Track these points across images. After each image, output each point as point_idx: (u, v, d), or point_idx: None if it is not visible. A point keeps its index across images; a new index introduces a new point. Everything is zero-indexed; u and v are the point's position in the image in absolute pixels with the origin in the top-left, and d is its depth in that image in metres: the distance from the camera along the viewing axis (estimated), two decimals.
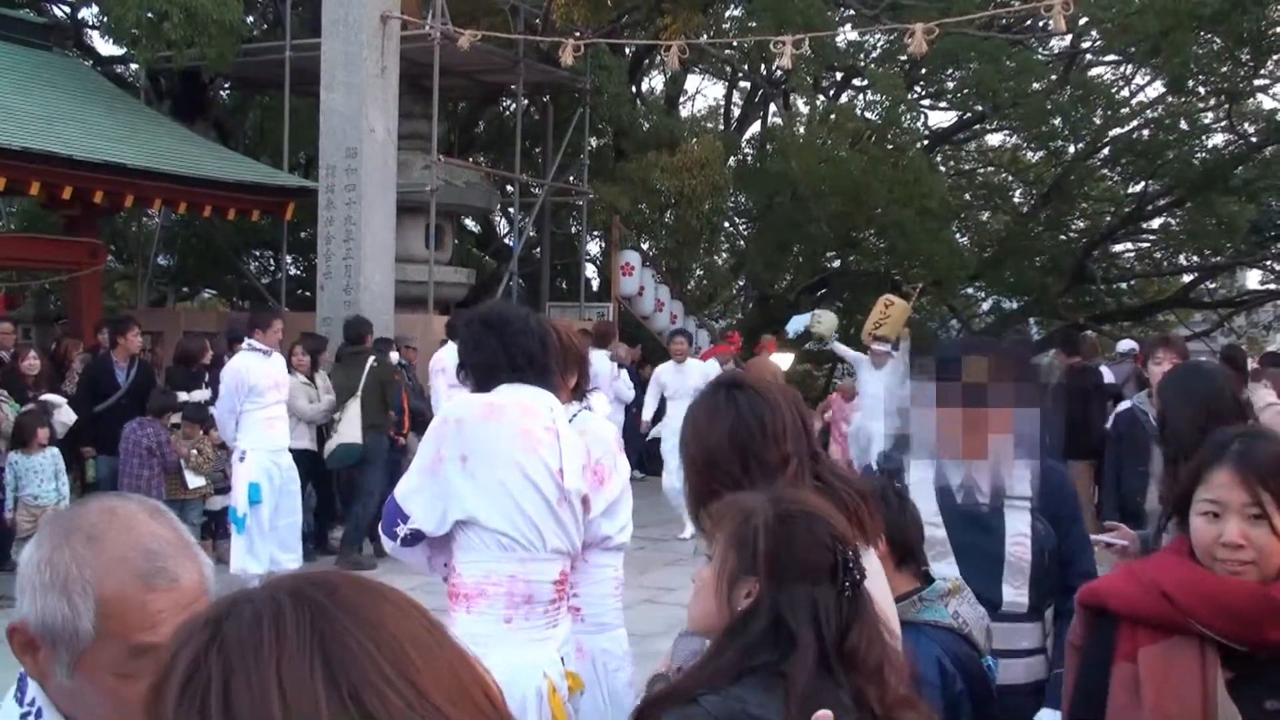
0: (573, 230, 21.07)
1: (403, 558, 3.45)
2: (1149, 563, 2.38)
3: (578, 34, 15.60)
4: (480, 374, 3.51)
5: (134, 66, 17.89)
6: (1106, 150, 22.57)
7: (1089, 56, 22.73)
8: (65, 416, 9.41)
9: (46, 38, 16.13)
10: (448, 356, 10.56)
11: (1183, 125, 21.84)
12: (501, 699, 0.87)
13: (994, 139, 26.09)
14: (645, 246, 19.64)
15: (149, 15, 14.45)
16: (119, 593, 1.47)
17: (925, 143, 22.74)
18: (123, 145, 13.33)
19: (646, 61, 22.75)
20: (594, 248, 23.10)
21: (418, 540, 3.34)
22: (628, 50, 20.47)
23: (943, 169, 23.72)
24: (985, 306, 27.46)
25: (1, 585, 9.33)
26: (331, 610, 0.83)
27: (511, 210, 18.90)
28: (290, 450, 9.35)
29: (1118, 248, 26.05)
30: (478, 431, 3.31)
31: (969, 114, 24.01)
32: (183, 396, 10.03)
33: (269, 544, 8.77)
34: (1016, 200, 25.68)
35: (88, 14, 20.46)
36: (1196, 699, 2.13)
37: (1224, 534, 2.16)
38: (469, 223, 22.34)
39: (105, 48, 20.39)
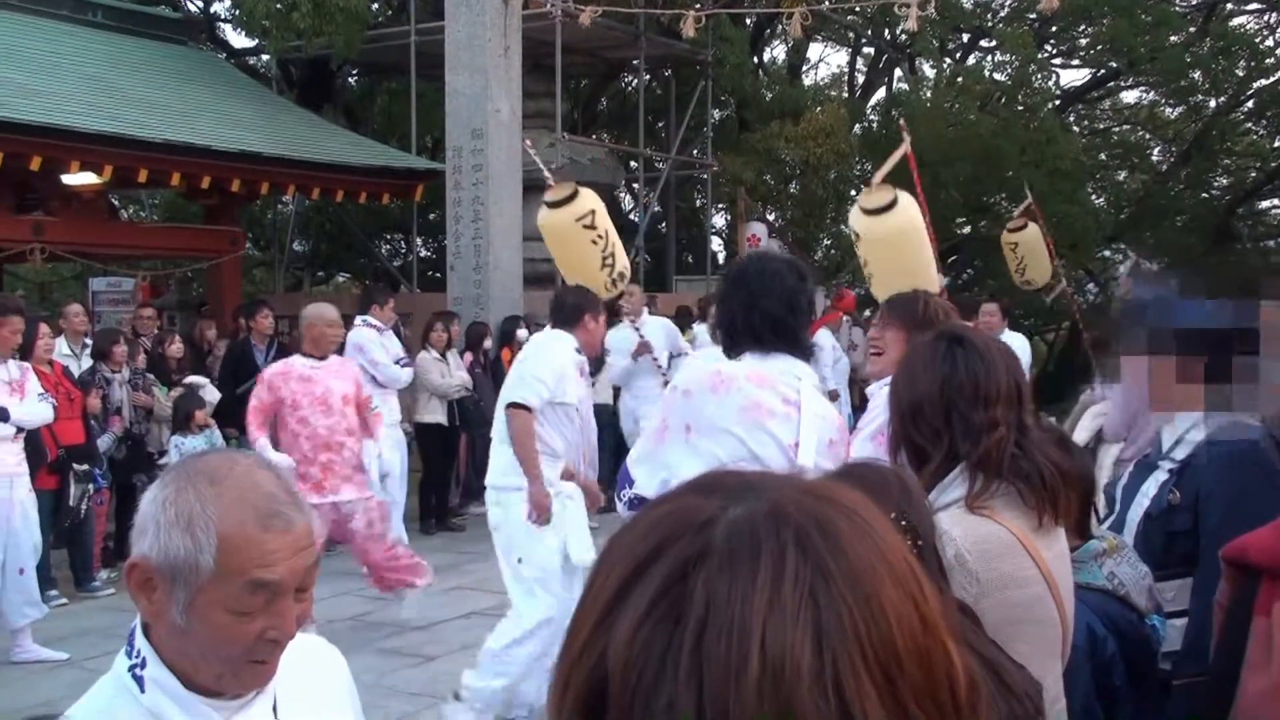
0: (697, 203, 21.00)
1: None
2: None
3: (698, 5, 15.51)
4: (725, 336, 3.44)
5: (265, 57, 18.33)
6: (1250, 103, 21.70)
7: (1230, 6, 21.84)
8: (210, 395, 9.70)
9: (182, 33, 16.61)
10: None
11: None
12: (970, 701, 0.81)
13: (1130, 96, 25.27)
14: (771, 217, 19.48)
15: (278, 6, 14.76)
16: (239, 530, 1.55)
17: (1057, 103, 22.13)
18: (257, 134, 13.66)
19: (768, 31, 22.51)
20: (719, 220, 22.99)
21: (641, 504, 3.30)
22: (749, 20, 20.27)
23: (1076, 129, 23.05)
24: (1122, 269, 26.65)
25: None
26: (832, 571, 0.76)
27: (636, 185, 18.91)
28: (424, 424, 9.56)
29: (1265, 204, 25.06)
30: (703, 402, 3.25)
31: (1103, 71, 23.28)
32: None
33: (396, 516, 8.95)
34: (1155, 158, 24.85)
35: (220, 8, 21.01)
36: None
37: None
38: None
39: (237, 40, 20.91)
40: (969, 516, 2.15)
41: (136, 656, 1.64)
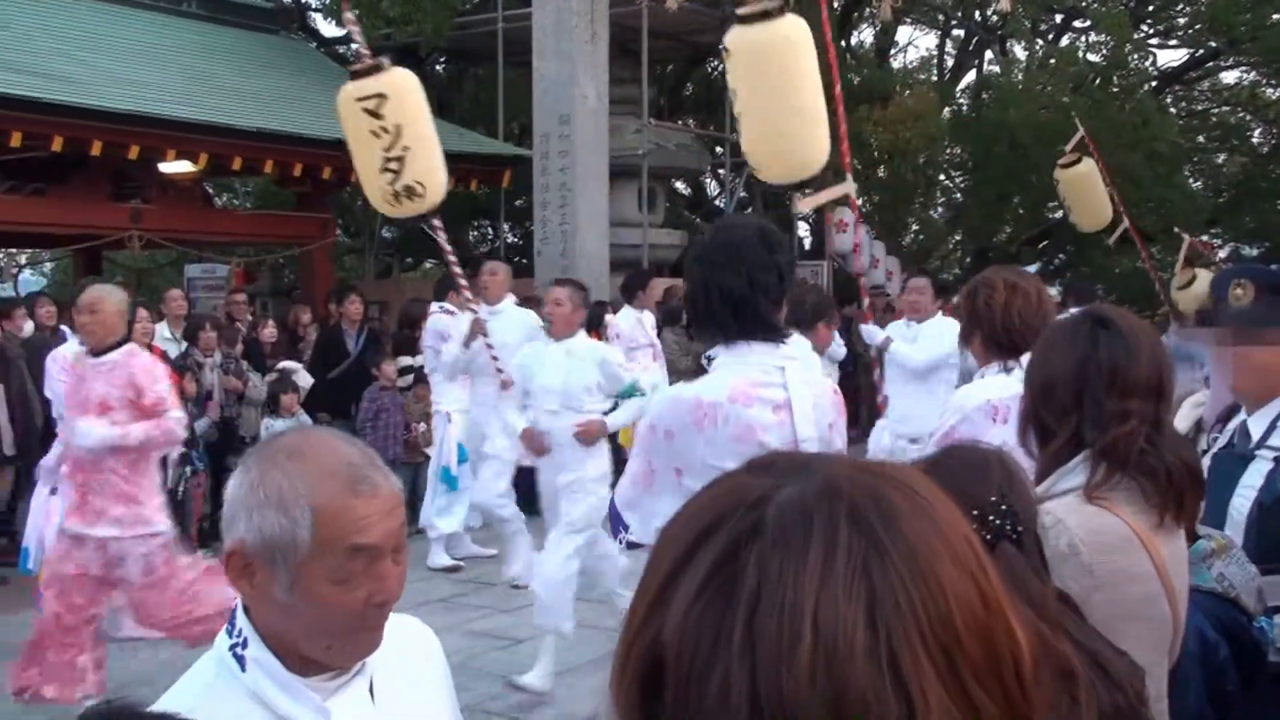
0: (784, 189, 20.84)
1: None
2: None
3: None
4: (689, 319, 3.18)
5: (354, 46, 18.50)
6: None
7: None
8: (303, 380, 9.86)
9: (273, 22, 16.86)
10: (622, 320, 10.55)
11: None
12: (1031, 679, 0.78)
13: (1229, 76, 24.61)
14: (859, 202, 19.29)
15: None
16: (331, 501, 1.57)
17: (1154, 84, 21.62)
18: None
19: (856, 14, 22.27)
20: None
21: (638, 547, 3.21)
22: (837, 3, 20.08)
23: (1173, 110, 22.52)
24: (1223, 254, 26.04)
25: None
26: (886, 546, 0.74)
27: (722, 171, 18.83)
28: None
29: None
30: (690, 443, 2.94)
31: (1202, 51, 22.69)
32: (405, 361, 10.36)
33: (463, 504, 8.95)
34: (1255, 140, 24.17)
35: None
36: None
37: None
38: (679, 185, 22.37)
39: (327, 29, 21.20)
40: (1086, 506, 2.09)
41: (238, 636, 1.66)
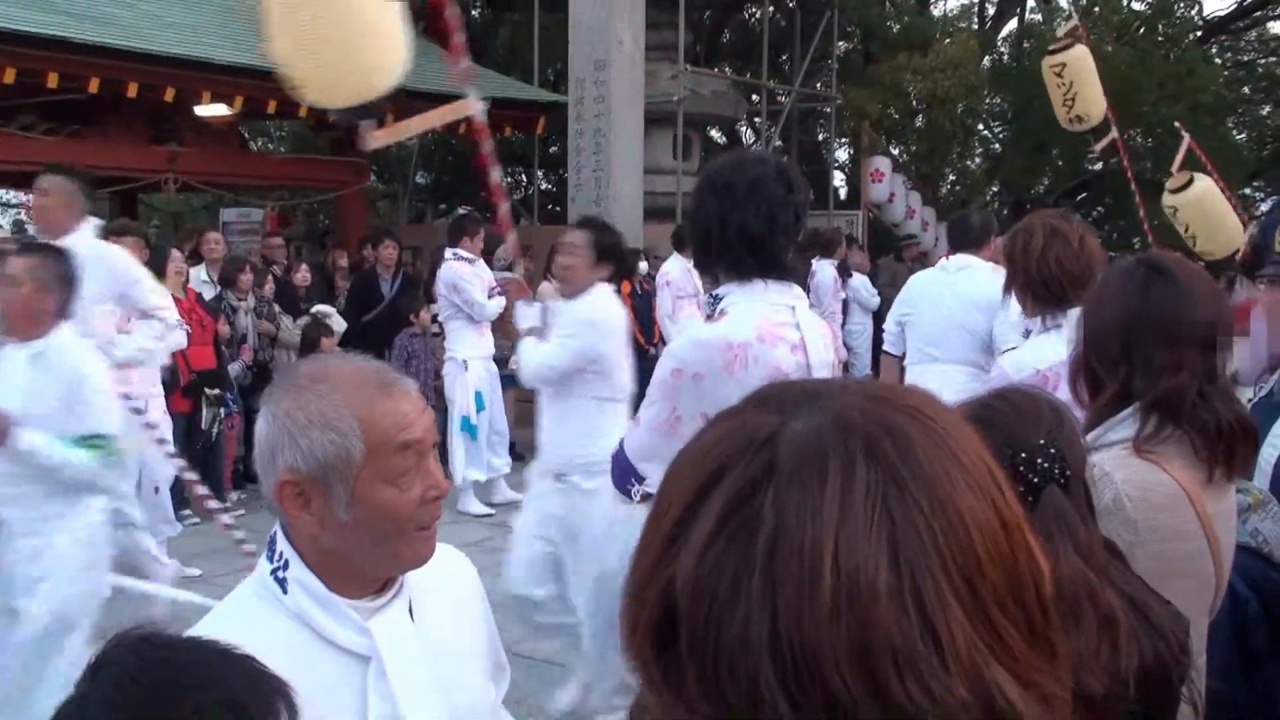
0: (820, 137, 20.67)
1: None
2: None
3: None
4: (697, 253, 3.02)
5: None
6: None
7: None
8: (337, 324, 9.88)
9: None
10: (673, 267, 10.56)
11: None
12: (1051, 599, 0.77)
13: (1277, 26, 24.15)
14: (895, 152, 19.10)
15: None
16: (371, 407, 1.63)
17: (1199, 33, 21.24)
18: None
19: None
20: (842, 154, 22.65)
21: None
22: None
23: (1218, 61, 22.13)
24: (1265, 207, 25.68)
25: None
26: (905, 479, 0.73)
27: (758, 119, 18.67)
28: None
29: None
30: (720, 385, 2.83)
31: (1249, 0, 22.28)
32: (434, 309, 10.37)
33: (487, 451, 8.99)
34: None
35: None
36: None
37: None
38: (715, 133, 22.21)
39: None
40: (1134, 460, 2.04)
41: (279, 560, 1.69)
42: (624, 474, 3.04)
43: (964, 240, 6.29)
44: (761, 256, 2.90)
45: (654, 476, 2.89)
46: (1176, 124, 10.57)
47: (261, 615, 1.67)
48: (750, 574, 0.71)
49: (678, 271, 10.47)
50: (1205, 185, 9.57)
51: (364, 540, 1.65)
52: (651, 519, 0.79)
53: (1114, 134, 10.79)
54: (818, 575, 0.70)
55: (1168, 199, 9.83)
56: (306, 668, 1.55)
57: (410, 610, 1.75)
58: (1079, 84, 10.04)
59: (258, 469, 1.69)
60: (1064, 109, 10.25)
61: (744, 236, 2.88)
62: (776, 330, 2.91)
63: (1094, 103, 10.17)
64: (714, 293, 3.00)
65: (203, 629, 1.63)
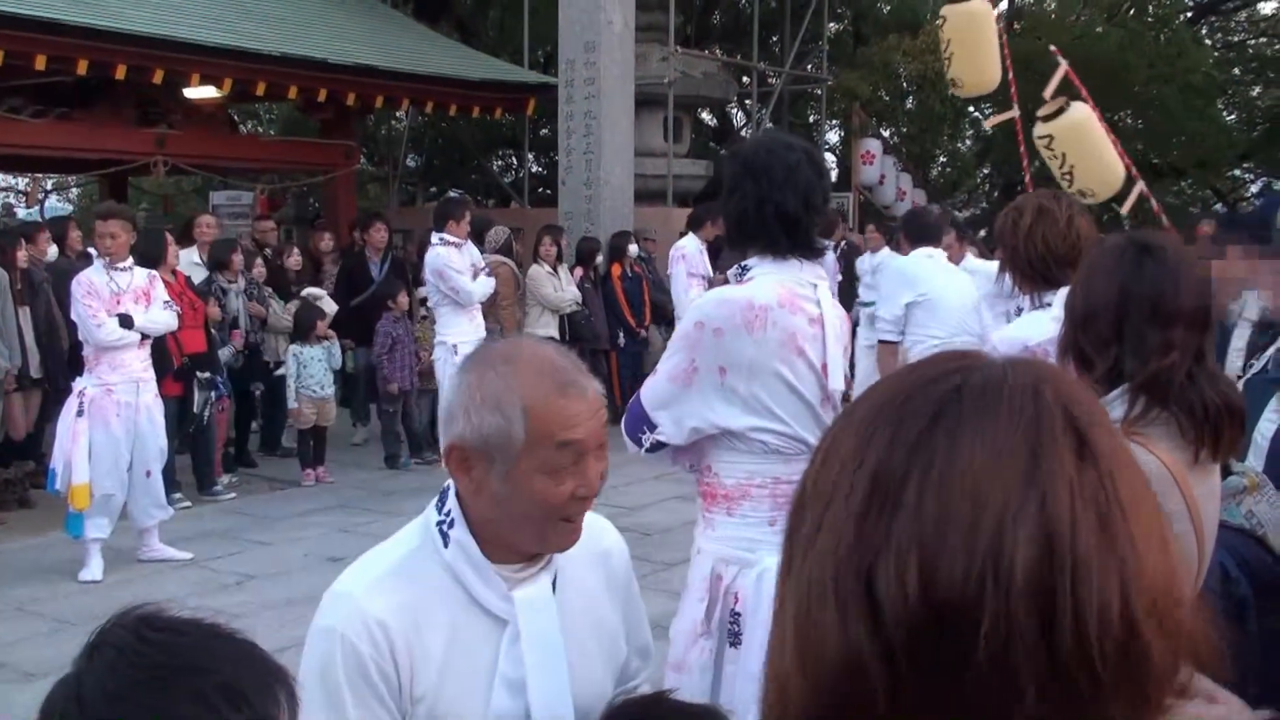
0: (811, 119, 20.65)
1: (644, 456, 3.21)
2: None
3: None
4: (734, 230, 3.15)
5: None
6: None
7: None
8: (328, 307, 9.87)
9: None
10: (689, 244, 10.61)
11: None
12: (1176, 552, 0.82)
13: (1267, 7, 24.14)
14: (886, 133, 19.09)
15: None
16: (542, 400, 1.72)
17: (1189, 14, 21.24)
18: (372, 48, 13.71)
19: None
20: (833, 136, 22.60)
21: (662, 448, 3.11)
22: None
23: (1208, 42, 22.13)
24: (1254, 189, 25.72)
25: (272, 468, 9.96)
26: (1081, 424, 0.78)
27: (749, 101, 18.64)
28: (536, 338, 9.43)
29: None
30: (739, 343, 2.97)
31: None
32: (422, 293, 10.35)
33: None
34: None
35: None
36: None
37: None
38: (706, 115, 22.18)
39: None
40: None
41: (446, 515, 1.83)
42: (637, 422, 3.10)
43: (924, 235, 6.34)
44: (795, 236, 3.05)
45: (666, 426, 3.02)
46: (1052, 48, 9.38)
47: (423, 560, 1.81)
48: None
49: (693, 249, 10.57)
50: (1083, 113, 8.53)
51: (514, 516, 1.76)
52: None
53: (1139, 188, 9.62)
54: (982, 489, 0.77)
55: (1040, 128, 8.55)
56: (451, 621, 1.78)
57: (555, 583, 1.87)
58: (1076, 155, 8.41)
59: (439, 425, 1.84)
60: (1064, 183, 8.34)
61: (781, 217, 3.02)
62: (798, 300, 3.03)
63: (1096, 176, 8.48)
64: (743, 264, 3.12)
65: (372, 558, 1.84)
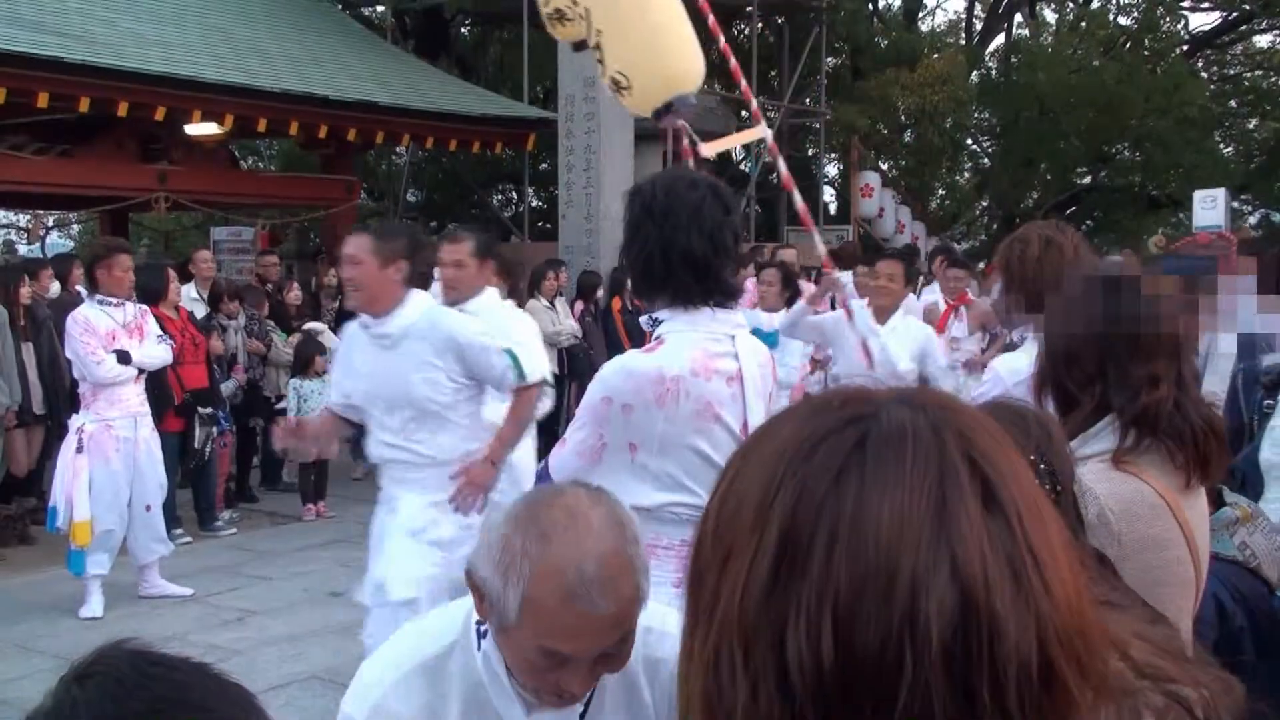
0: (809, 153, 20.72)
1: None
2: None
3: None
4: (641, 279, 2.90)
5: (380, 8, 18.46)
6: None
7: None
8: (329, 341, 9.87)
9: None
10: None
11: None
12: None
13: (1263, 40, 24.28)
14: (885, 167, 19.17)
15: None
16: (543, 601, 1.59)
17: (1185, 48, 21.36)
18: (372, 84, 13.80)
19: None
20: (832, 170, 22.70)
21: None
22: None
23: (1204, 75, 22.25)
24: (1252, 220, 25.79)
25: (273, 503, 9.96)
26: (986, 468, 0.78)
27: None
28: None
29: None
30: (649, 419, 2.79)
31: (1235, 14, 22.39)
32: None
33: None
34: None
35: None
36: None
37: None
38: None
39: None
40: (1114, 473, 2.05)
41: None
42: None
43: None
44: (706, 282, 2.84)
45: None
46: None
47: (455, 660, 1.81)
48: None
49: None
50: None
51: (513, 662, 1.71)
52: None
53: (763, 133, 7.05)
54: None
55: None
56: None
57: (592, 700, 1.78)
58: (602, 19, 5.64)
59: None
60: (598, 70, 5.68)
61: (689, 261, 2.81)
62: (712, 363, 2.85)
63: (635, 59, 5.60)
64: (654, 315, 2.94)
65: (406, 653, 1.85)
